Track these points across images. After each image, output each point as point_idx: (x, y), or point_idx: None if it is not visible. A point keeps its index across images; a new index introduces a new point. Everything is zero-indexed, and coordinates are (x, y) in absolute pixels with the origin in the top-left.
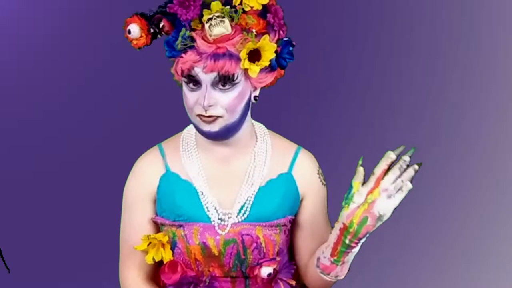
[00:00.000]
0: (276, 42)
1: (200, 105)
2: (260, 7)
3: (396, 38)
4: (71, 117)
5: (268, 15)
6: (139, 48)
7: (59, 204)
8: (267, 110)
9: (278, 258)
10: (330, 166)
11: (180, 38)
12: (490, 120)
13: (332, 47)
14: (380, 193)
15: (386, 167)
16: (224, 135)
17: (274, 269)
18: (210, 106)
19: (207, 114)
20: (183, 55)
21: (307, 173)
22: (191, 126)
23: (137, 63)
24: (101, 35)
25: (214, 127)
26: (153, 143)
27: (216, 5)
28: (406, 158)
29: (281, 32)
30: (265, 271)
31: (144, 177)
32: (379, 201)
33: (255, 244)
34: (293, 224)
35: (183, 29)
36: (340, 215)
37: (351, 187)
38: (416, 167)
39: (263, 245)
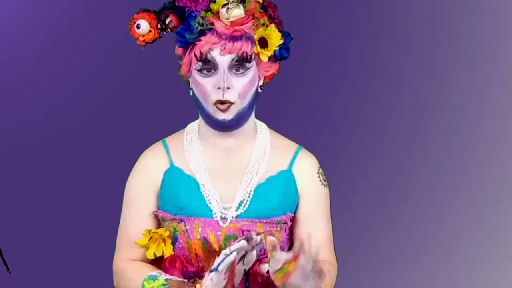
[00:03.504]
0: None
1: (218, 88)
2: None
3: (396, 38)
4: (71, 117)
5: (269, 9)
6: (146, 44)
7: (59, 204)
8: (267, 110)
9: None
10: (330, 166)
11: (196, 24)
12: (490, 120)
13: (332, 47)
14: (296, 267)
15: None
16: (236, 123)
17: None
18: (228, 88)
19: (224, 98)
20: (201, 38)
21: (306, 171)
22: (194, 122)
23: (137, 63)
24: (101, 35)
25: (229, 115)
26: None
27: None
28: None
29: (280, 26)
30: (265, 267)
31: (149, 171)
32: (294, 275)
33: None
34: (291, 222)
35: (202, 13)
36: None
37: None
38: None
39: (264, 241)
